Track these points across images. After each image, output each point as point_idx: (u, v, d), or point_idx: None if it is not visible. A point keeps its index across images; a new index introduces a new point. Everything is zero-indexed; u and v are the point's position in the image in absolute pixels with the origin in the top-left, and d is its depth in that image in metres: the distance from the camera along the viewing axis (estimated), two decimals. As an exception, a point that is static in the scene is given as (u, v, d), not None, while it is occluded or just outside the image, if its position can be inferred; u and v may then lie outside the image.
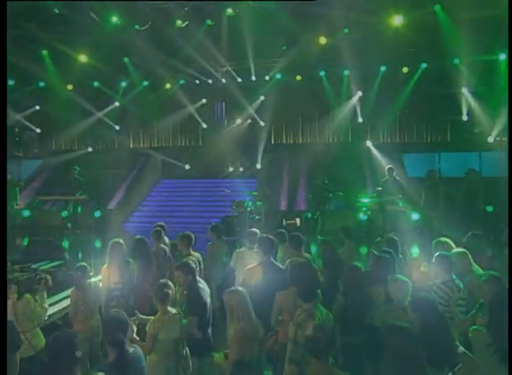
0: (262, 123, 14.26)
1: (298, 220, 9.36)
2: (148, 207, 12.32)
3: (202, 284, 3.96)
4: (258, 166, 13.54)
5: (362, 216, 8.49)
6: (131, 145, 15.06)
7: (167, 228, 10.57)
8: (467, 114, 12.36)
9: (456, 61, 11.75)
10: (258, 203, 9.43)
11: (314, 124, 14.19)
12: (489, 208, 9.92)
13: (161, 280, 3.60)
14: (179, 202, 12.42)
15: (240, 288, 3.32)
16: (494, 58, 11.30)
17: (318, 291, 3.70)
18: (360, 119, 13.32)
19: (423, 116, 13.38)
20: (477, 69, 11.38)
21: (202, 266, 4.97)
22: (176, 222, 11.02)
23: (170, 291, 3.43)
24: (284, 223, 9.46)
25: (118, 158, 14.07)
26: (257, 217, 9.32)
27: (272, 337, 3.60)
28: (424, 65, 12.44)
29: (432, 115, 13.27)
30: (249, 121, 14.94)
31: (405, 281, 3.43)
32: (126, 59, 12.95)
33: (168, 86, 13.97)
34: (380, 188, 7.47)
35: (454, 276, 3.80)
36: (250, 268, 4.28)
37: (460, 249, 4.20)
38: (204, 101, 14.47)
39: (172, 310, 3.47)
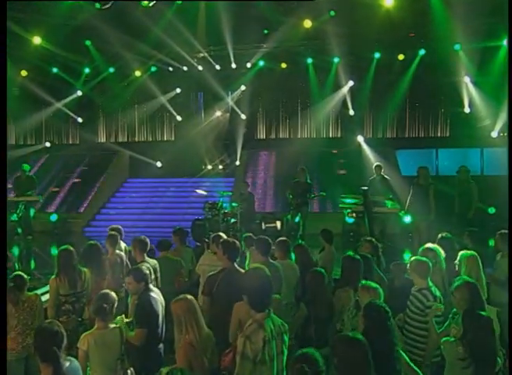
0: (243, 116, 14.30)
1: (279, 223, 9.40)
2: (113, 209, 12.23)
3: (155, 294, 3.96)
4: (238, 163, 13.57)
5: (349, 219, 8.57)
6: (95, 140, 14.94)
7: (134, 232, 10.50)
8: (469, 106, 12.55)
9: (457, 47, 11.94)
10: (234, 204, 9.44)
11: (300, 117, 14.27)
12: (491, 210, 10.12)
13: (102, 292, 3.59)
14: (148, 204, 12.34)
15: (189, 296, 3.32)
16: (498, 43, 11.45)
17: (278, 297, 3.75)
18: (351, 112, 13.46)
19: (420, 108, 13.56)
20: (479, 56, 11.56)
21: (159, 275, 4.96)
22: (145, 226, 11.02)
23: (106, 305, 3.42)
24: (263, 226, 9.49)
25: (80, 155, 13.94)
26: (232, 220, 9.33)
27: (229, 354, 3.60)
28: (422, 51, 12.59)
29: (431, 107, 13.46)
30: (228, 114, 14.96)
31: (375, 288, 3.49)
32: (87, 42, 12.87)
33: (137, 73, 13.91)
34: (366, 188, 7.55)
35: (431, 283, 3.87)
36: (211, 275, 4.28)
37: (469, 252, 4.27)
38: (178, 90, 14.46)
39: (111, 325, 3.47)
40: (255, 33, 12.51)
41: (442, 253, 4.55)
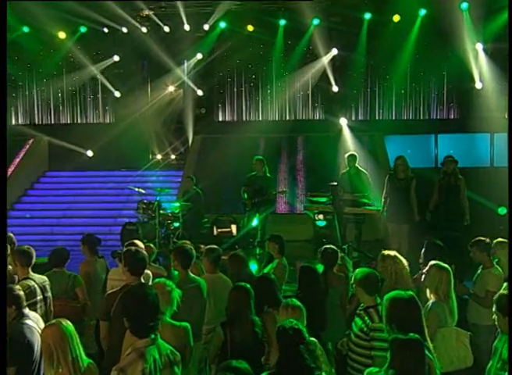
0: (200, 92, 14.28)
1: (234, 227, 9.46)
2: (25, 211, 12.08)
3: (33, 321, 3.94)
4: (188, 152, 13.57)
5: (320, 222, 8.68)
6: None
7: (53, 241, 10.36)
8: (481, 80, 12.79)
9: (464, 6, 12.13)
10: (176, 205, 9.45)
11: (270, 93, 14.30)
12: (502, 210, 10.34)
13: None
14: (72, 205, 12.28)
15: (63, 321, 3.31)
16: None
17: (183, 324, 3.78)
18: (334, 88, 13.57)
19: (418, 84, 13.71)
20: (494, 18, 11.76)
21: (49, 294, 4.94)
22: (66, 232, 11.00)
23: None
24: (215, 231, 9.53)
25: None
26: (175, 224, 9.35)
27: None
28: (422, 12, 12.76)
29: (432, 82, 13.64)
30: (181, 89, 14.91)
31: (296, 307, 3.61)
32: (-10, -6, 12.59)
33: (61, 35, 13.72)
34: (335, 183, 7.64)
35: (379, 300, 3.95)
36: (110, 294, 4.29)
37: (439, 263, 4.36)
38: (115, 58, 14.32)
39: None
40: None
41: (404, 262, 4.66)
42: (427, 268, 4.40)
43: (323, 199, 8.33)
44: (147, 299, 3.02)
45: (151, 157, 14.55)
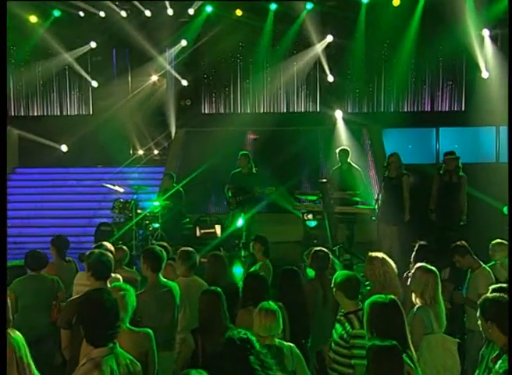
0: (184, 82, 14.27)
1: (219, 228, 9.51)
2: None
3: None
4: (170, 147, 13.59)
5: (310, 222, 8.71)
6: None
7: (23, 243, 10.33)
8: (487, 69, 12.83)
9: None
10: (156, 204, 9.47)
11: (259, 84, 14.30)
12: (505, 210, 10.40)
13: None
14: (45, 204, 12.32)
15: (11, 332, 3.29)
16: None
17: (145, 330, 3.78)
18: (330, 78, 13.59)
19: (419, 73, 13.74)
20: (499, 1, 11.80)
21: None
22: (37, 234, 11.02)
23: None
24: (198, 232, 9.59)
25: None
26: (154, 225, 9.38)
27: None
28: (424, -6, 12.84)
29: (434, 71, 13.68)
30: (165, 80, 14.90)
31: (272, 311, 3.64)
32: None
33: (32, 19, 13.69)
34: (324, 180, 7.67)
35: (361, 305, 3.98)
36: (72, 300, 4.31)
37: (427, 266, 4.39)
38: (92, 45, 14.29)
39: None
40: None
41: (393, 264, 4.69)
42: (412, 270, 4.42)
43: (312, 197, 8.37)
44: (104, 305, 2.99)
45: (131, 152, 14.52)
